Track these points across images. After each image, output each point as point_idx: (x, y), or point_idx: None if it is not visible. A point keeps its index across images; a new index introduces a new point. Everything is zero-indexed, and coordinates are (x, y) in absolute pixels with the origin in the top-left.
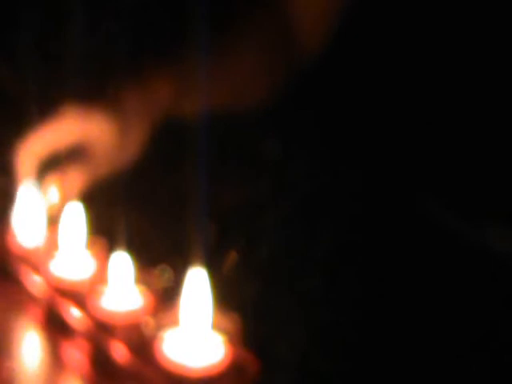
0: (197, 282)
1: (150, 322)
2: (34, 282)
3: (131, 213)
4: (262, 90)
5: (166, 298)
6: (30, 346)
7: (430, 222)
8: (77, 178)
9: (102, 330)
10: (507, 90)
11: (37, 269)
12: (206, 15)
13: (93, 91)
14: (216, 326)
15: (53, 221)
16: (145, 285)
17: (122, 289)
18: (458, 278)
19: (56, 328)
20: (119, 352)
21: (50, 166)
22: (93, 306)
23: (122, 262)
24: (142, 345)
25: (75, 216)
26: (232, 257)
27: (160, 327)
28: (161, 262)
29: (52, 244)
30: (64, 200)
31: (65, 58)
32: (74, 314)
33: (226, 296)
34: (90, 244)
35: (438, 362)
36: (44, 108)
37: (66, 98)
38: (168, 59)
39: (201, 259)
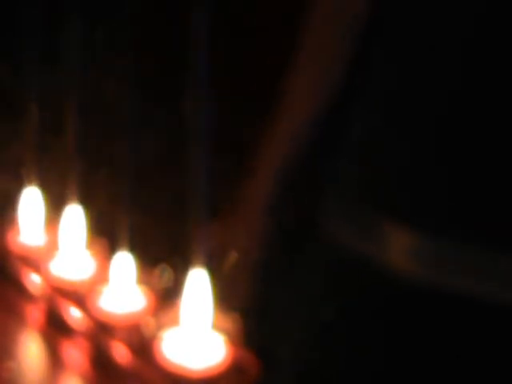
0: (197, 282)
1: (151, 322)
2: (34, 282)
3: (132, 213)
4: None
5: (166, 298)
6: (30, 346)
7: None
8: None
9: (102, 331)
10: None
11: (37, 269)
12: None
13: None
14: (216, 326)
15: None
16: (145, 285)
17: (122, 289)
18: None
19: (56, 328)
20: (119, 352)
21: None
22: (93, 306)
23: (123, 263)
24: (142, 345)
25: (75, 217)
26: (232, 257)
27: (160, 327)
28: (161, 262)
29: (52, 244)
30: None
31: (65, 57)
32: (73, 314)
33: (226, 296)
34: (90, 244)
35: (438, 363)
36: (44, 108)
37: None
38: None
39: (201, 259)
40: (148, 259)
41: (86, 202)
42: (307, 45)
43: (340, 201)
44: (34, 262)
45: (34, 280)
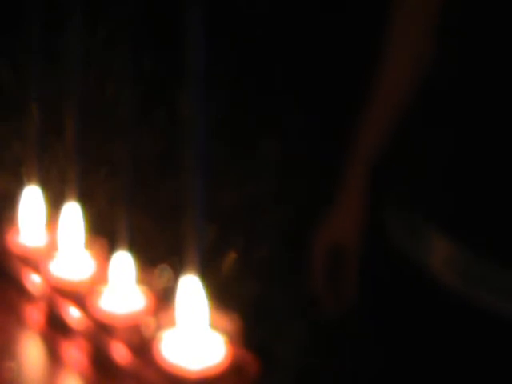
0: (195, 283)
1: (150, 322)
2: (34, 282)
3: (132, 213)
4: None
5: (166, 298)
6: (30, 346)
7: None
8: None
9: (101, 331)
10: None
11: (37, 269)
12: None
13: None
14: (216, 326)
15: None
16: (145, 285)
17: (122, 289)
18: None
19: (56, 328)
20: (119, 352)
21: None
22: (92, 306)
23: (122, 263)
24: (142, 345)
25: (75, 217)
26: (231, 257)
27: (160, 327)
28: (161, 262)
29: (52, 244)
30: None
31: (65, 58)
32: (73, 314)
33: (226, 296)
34: (90, 244)
35: (437, 361)
36: (44, 108)
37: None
38: None
39: (199, 259)
40: (148, 259)
41: (86, 201)
42: (396, 32)
43: (396, 208)
44: (34, 261)
45: (34, 280)
